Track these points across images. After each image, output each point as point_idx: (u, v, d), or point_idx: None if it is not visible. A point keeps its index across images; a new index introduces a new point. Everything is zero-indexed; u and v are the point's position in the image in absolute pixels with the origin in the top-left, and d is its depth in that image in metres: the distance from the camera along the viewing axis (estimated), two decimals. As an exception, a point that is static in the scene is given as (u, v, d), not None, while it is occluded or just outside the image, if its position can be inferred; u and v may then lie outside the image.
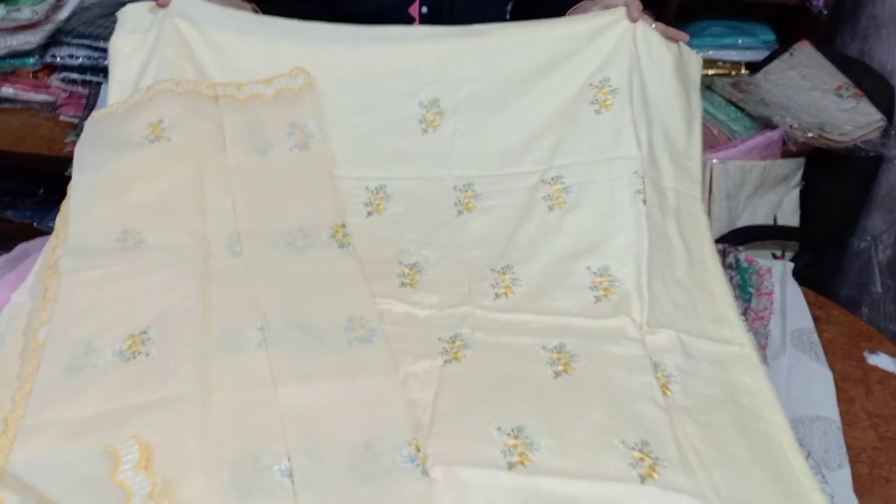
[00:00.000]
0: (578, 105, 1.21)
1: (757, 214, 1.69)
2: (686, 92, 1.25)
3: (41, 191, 2.20)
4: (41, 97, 2.04)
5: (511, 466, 0.85)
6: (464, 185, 1.22)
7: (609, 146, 1.18)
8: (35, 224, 2.17)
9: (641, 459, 0.87)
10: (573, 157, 1.19)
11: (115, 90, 1.24)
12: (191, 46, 1.24)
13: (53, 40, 1.94)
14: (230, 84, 1.25)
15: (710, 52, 1.90)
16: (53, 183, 1.66)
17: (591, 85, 1.22)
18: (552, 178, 1.19)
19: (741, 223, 1.67)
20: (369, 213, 1.20)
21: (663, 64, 1.23)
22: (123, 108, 1.20)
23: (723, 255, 1.28)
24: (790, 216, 1.74)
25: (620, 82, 1.20)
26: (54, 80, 2.01)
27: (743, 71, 1.91)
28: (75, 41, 1.92)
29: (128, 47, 1.24)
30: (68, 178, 1.14)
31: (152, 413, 0.84)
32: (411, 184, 1.23)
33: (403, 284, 1.11)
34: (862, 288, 1.76)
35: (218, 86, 1.24)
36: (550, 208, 1.17)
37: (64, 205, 1.10)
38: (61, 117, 2.05)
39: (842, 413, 1.07)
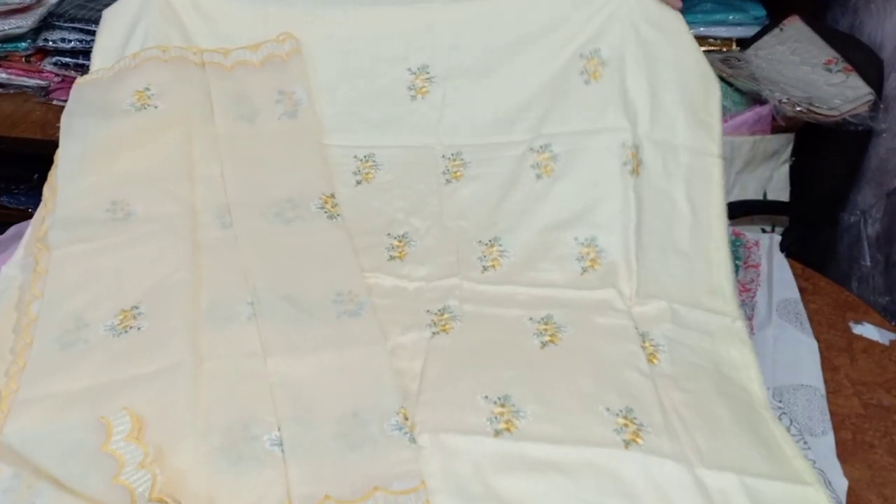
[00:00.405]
0: (568, 75, 1.21)
1: (747, 190, 1.70)
2: (696, 51, 1.20)
3: (35, 176, 2.20)
4: (34, 82, 2.04)
5: (497, 433, 0.87)
6: (452, 154, 1.22)
7: (598, 116, 1.18)
8: (30, 210, 2.17)
9: (626, 425, 0.89)
10: (562, 127, 1.20)
11: (100, 56, 1.25)
12: (177, 12, 1.24)
13: (45, 24, 1.93)
14: (217, 51, 1.26)
15: (701, 29, 1.90)
16: (48, 168, 1.67)
17: (581, 55, 1.21)
18: (541, 147, 1.19)
19: (731, 198, 1.66)
20: (358, 182, 1.21)
21: (666, 24, 1.19)
22: (109, 74, 1.21)
23: (710, 228, 1.29)
24: (780, 191, 1.75)
25: (611, 54, 1.19)
26: (47, 65, 2.01)
27: (734, 47, 1.91)
28: (67, 25, 1.91)
29: (113, 14, 1.25)
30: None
31: (144, 385, 0.86)
32: (400, 152, 1.23)
33: (392, 258, 1.12)
34: (852, 262, 1.77)
35: (205, 52, 1.25)
36: (538, 176, 1.18)
37: (51, 173, 1.11)
38: (54, 102, 2.05)
39: (826, 381, 1.08)
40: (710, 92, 1.18)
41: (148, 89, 1.18)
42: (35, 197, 2.20)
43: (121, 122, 1.15)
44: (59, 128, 1.95)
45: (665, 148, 1.15)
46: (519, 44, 1.23)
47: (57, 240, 1.02)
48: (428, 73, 1.25)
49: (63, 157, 1.12)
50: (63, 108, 2.03)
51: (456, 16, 1.24)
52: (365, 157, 1.23)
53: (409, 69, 1.25)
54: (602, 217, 1.13)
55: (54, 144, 1.91)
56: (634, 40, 1.18)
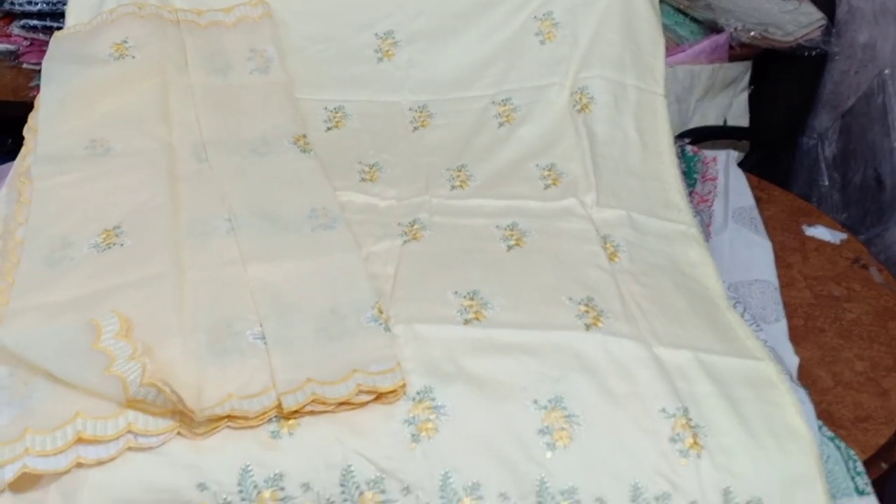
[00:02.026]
0: (524, 36, 1.30)
1: (707, 117, 1.75)
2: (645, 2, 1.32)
3: (9, 141, 2.21)
4: (2, 46, 2.04)
5: (467, 322, 0.92)
6: (419, 107, 1.29)
7: (553, 72, 1.28)
8: (6, 176, 2.19)
9: (587, 312, 0.94)
10: (521, 83, 1.29)
11: (74, 13, 1.28)
12: None
13: (10, -12, 1.94)
14: (191, 10, 1.30)
15: (659, -35, 1.94)
16: (21, 133, 1.70)
17: (535, 17, 1.30)
18: (502, 101, 1.28)
19: (692, 126, 1.73)
20: (329, 129, 1.26)
21: None
22: (87, 28, 1.24)
23: (669, 145, 1.35)
24: (740, 119, 1.80)
25: (563, 16, 1.29)
26: (14, 29, 2.01)
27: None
28: (32, -13, 1.92)
29: None
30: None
31: (130, 292, 0.90)
32: (368, 106, 1.30)
33: (363, 180, 1.17)
34: (811, 184, 1.83)
35: (179, 11, 1.29)
36: (501, 124, 1.26)
37: (31, 116, 1.15)
38: (24, 65, 2.06)
39: (780, 277, 1.15)
40: (656, 37, 1.30)
41: (125, 42, 1.22)
42: (9, 161, 2.23)
43: (100, 69, 1.19)
44: (29, 88, 1.98)
45: (616, 86, 1.25)
46: (478, 8, 1.31)
47: (39, 173, 1.06)
48: (393, 37, 1.31)
49: (44, 101, 1.15)
50: (33, 71, 2.07)
51: None
52: (335, 108, 1.28)
53: (376, 34, 1.31)
54: (560, 150, 1.22)
55: (27, 107, 1.93)
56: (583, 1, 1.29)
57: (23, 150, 1.13)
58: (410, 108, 1.29)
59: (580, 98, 1.24)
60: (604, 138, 1.21)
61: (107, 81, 1.19)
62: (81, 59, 1.19)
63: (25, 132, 1.15)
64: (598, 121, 1.22)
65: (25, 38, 2.05)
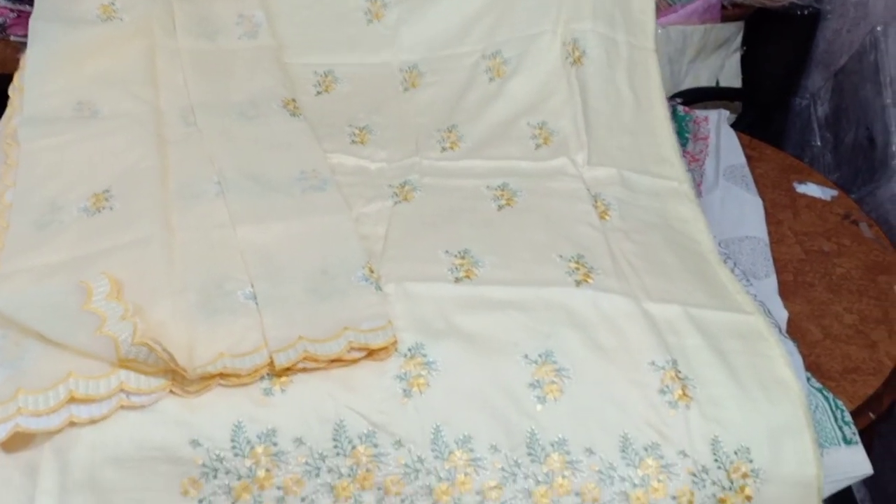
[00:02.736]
0: None
1: (699, 78, 1.74)
2: None
3: (-1, 115, 2.20)
4: (-11, 19, 2.03)
5: (458, 280, 0.92)
6: (409, 67, 1.28)
7: (542, 20, 1.26)
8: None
9: (577, 269, 0.95)
10: (511, 34, 1.27)
11: None
12: None
13: (-5, -43, 1.92)
14: None
15: (650, -74, 1.92)
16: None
17: None
18: (492, 54, 1.26)
19: (684, 87, 1.72)
20: (318, 93, 1.26)
21: None
22: None
23: (660, 105, 1.34)
24: (732, 79, 1.79)
25: None
26: (1, 0, 2.00)
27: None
28: (18, -43, 1.90)
29: None
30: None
31: (119, 254, 0.90)
32: (358, 69, 1.29)
33: (354, 142, 1.16)
34: (804, 145, 1.83)
35: None
36: (491, 79, 1.25)
37: (17, 76, 1.14)
38: (11, 38, 2.05)
39: (770, 233, 1.15)
40: None
41: (113, 4, 1.22)
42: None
43: (87, 30, 1.19)
44: (17, 59, 1.97)
45: (608, 41, 1.24)
46: None
47: (26, 135, 1.05)
48: None
49: (30, 60, 1.15)
50: (21, 43, 2.04)
51: None
52: (325, 72, 1.27)
53: None
54: (551, 106, 1.21)
55: (10, 79, 1.93)
56: None
57: (8, 110, 1.13)
58: (401, 69, 1.28)
59: (573, 50, 1.22)
60: (596, 93, 1.20)
61: (94, 42, 1.18)
62: (68, 19, 1.18)
63: (11, 91, 1.14)
64: (590, 75, 1.21)
65: (12, 10, 2.02)
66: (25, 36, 2.02)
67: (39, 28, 1.17)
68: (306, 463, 0.79)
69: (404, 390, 0.82)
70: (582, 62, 1.22)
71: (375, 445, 0.79)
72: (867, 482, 1.44)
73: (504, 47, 1.26)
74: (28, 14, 2.05)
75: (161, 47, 1.20)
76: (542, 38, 1.26)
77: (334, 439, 0.79)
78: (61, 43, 1.16)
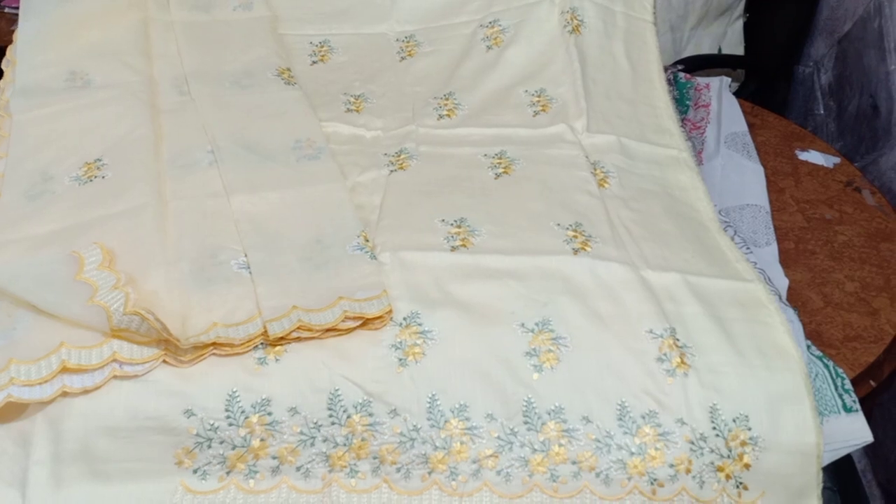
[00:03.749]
0: None
1: (702, 46, 1.72)
2: None
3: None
4: (-19, -9, 2.01)
5: (454, 249, 0.91)
6: (405, 37, 1.27)
7: None
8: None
9: (575, 237, 0.93)
10: (508, 3, 1.27)
11: None
12: None
13: (-12, -72, 1.89)
14: None
15: None
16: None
17: None
18: (489, 23, 1.26)
19: (686, 55, 1.70)
20: (314, 63, 1.24)
21: None
22: None
23: (661, 72, 1.32)
24: (735, 47, 1.77)
25: None
26: (-7, -28, 1.98)
27: None
28: (10, -73, 1.87)
29: None
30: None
31: (112, 223, 0.89)
32: (354, 38, 1.28)
33: (349, 110, 1.15)
34: (807, 114, 1.80)
35: None
36: (489, 48, 1.24)
37: (10, 49, 1.13)
38: (6, 10, 2.03)
39: (771, 201, 1.14)
40: None
41: None
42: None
43: (79, 2, 1.18)
44: (12, 34, 1.95)
45: (605, 11, 1.24)
46: None
47: (18, 106, 1.04)
48: None
49: (22, 33, 1.14)
50: (14, 15, 2.02)
51: None
52: (320, 42, 1.27)
53: None
54: (549, 74, 1.20)
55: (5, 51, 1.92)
56: None
57: (0, 83, 1.11)
58: (397, 39, 1.27)
59: (571, 19, 1.21)
60: (594, 62, 1.20)
61: (86, 14, 1.17)
62: None
63: (4, 65, 1.13)
64: (588, 44, 1.21)
65: (5, -18, 2.01)
66: (18, 7, 2.03)
67: (32, 2, 1.15)
68: (301, 432, 0.78)
69: (399, 359, 0.81)
70: (580, 31, 1.21)
71: (371, 415, 0.79)
72: (867, 451, 1.43)
73: (502, 16, 1.25)
74: (21, -15, 2.05)
75: (154, 19, 1.20)
76: (540, 6, 1.25)
77: (329, 409, 0.79)
78: (53, 16, 1.15)
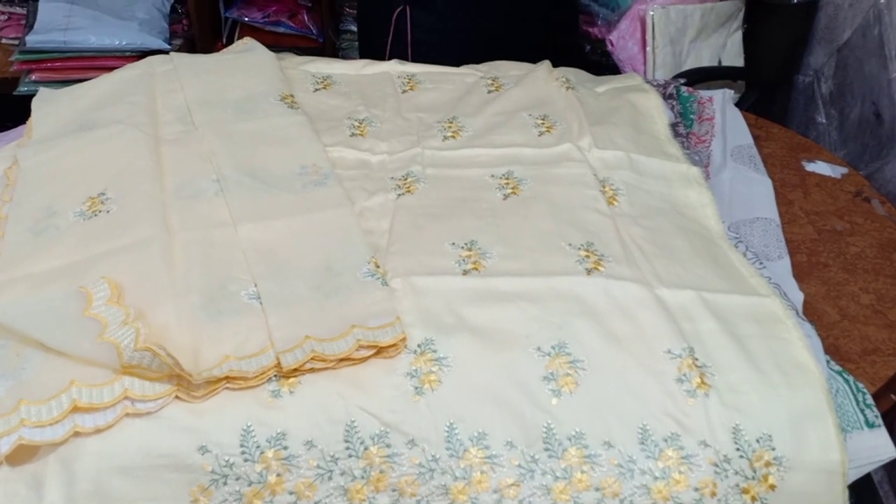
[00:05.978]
0: None
1: (701, 58, 1.72)
2: None
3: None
4: (-20, 23, 2.01)
5: (466, 272, 0.90)
6: (407, 77, 1.29)
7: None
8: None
9: (587, 256, 0.92)
10: (507, 71, 1.32)
11: None
12: None
13: (-15, -36, 1.90)
14: None
15: None
16: (3, 108, 1.70)
17: None
18: (491, 79, 1.29)
19: (686, 68, 1.70)
20: (316, 90, 1.24)
21: None
22: None
23: (663, 87, 1.32)
24: (734, 58, 1.77)
25: None
26: (-8, 5, 1.98)
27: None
28: (6, -37, 1.88)
29: None
30: (17, 98, 1.17)
31: (119, 257, 0.88)
32: (356, 77, 1.30)
33: (353, 135, 1.14)
34: (808, 123, 1.80)
35: None
36: (490, 91, 1.26)
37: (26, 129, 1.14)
38: (3, 41, 2.04)
39: (781, 214, 1.13)
40: None
41: None
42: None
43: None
44: (10, 63, 1.95)
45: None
46: None
47: (24, 154, 1.05)
48: None
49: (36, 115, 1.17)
50: (12, 45, 2.02)
51: None
52: (323, 77, 1.27)
53: None
54: (552, 108, 1.21)
55: (7, 81, 1.92)
56: None
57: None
58: (399, 76, 1.29)
59: (565, 82, 1.25)
60: (594, 107, 1.21)
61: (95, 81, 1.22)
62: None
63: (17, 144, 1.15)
64: (586, 95, 1.24)
65: (3, 13, 2.01)
66: (16, 38, 2.03)
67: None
68: (318, 466, 0.77)
69: (416, 388, 0.79)
70: (577, 89, 1.24)
71: (388, 445, 0.77)
72: (885, 464, 1.42)
73: (502, 77, 1.29)
74: (19, 17, 2.05)
75: (157, 69, 1.23)
76: (537, 70, 1.30)
77: (346, 440, 0.77)
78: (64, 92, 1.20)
